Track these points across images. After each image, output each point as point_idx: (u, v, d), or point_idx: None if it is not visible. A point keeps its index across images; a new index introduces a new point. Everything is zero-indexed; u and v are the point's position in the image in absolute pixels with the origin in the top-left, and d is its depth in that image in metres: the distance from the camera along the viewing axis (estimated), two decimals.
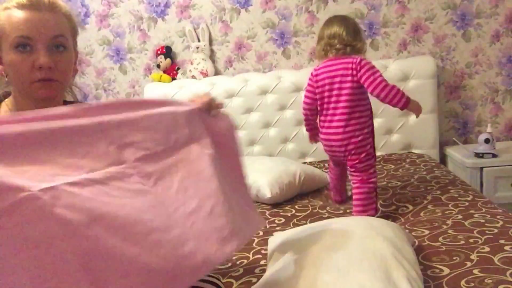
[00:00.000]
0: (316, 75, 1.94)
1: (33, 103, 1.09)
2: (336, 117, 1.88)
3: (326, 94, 1.91)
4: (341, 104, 1.87)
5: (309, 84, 1.99)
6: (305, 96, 2.00)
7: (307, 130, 2.11)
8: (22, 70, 1.05)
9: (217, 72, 3.08)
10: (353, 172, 1.87)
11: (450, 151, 2.87)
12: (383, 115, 2.84)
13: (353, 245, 1.18)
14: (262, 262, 1.45)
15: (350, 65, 1.85)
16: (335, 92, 1.88)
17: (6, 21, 1.05)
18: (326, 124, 1.93)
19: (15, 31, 1.04)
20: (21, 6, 1.05)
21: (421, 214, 1.78)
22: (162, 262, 0.70)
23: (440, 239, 1.49)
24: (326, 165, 2.73)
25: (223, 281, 1.30)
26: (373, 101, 2.80)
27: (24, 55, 1.05)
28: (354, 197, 1.85)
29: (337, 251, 1.16)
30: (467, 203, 1.80)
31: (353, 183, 1.87)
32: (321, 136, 1.98)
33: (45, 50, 1.06)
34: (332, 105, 1.90)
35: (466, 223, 1.59)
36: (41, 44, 1.06)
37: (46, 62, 1.05)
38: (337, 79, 1.87)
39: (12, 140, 0.67)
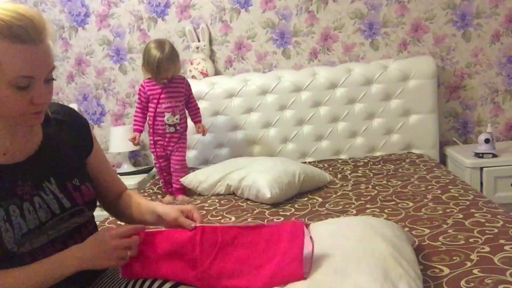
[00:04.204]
0: None
1: (10, 125, 1.04)
2: None
3: None
4: None
5: None
6: None
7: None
8: (16, 106, 0.97)
9: (217, 72, 3.08)
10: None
11: (450, 151, 2.86)
12: (383, 115, 2.84)
13: (351, 246, 1.17)
14: None
15: None
16: None
17: (3, 56, 0.92)
18: None
19: (15, 70, 0.93)
20: (15, 38, 0.92)
21: (422, 210, 1.78)
22: None
23: (440, 238, 1.49)
24: (326, 164, 2.74)
25: None
26: (372, 101, 2.80)
27: (22, 92, 0.95)
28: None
29: (335, 252, 1.16)
30: (468, 202, 1.80)
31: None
32: None
33: (42, 86, 0.98)
34: None
35: (466, 223, 1.59)
36: (39, 80, 0.97)
37: (47, 99, 1.00)
38: None
39: None
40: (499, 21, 2.87)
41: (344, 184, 2.30)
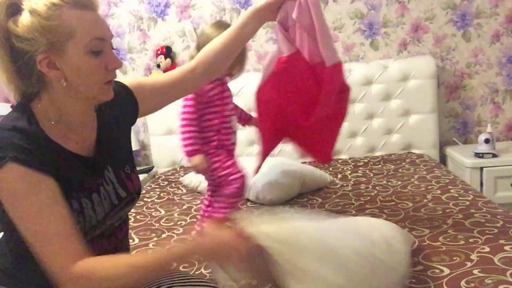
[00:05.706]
0: None
1: (84, 105, 1.03)
2: None
3: None
4: None
5: None
6: None
7: None
8: (95, 75, 0.98)
9: None
10: None
11: (450, 151, 2.87)
12: (383, 115, 2.84)
13: (346, 246, 1.17)
14: None
15: None
16: None
17: (76, 22, 0.94)
18: None
19: (89, 34, 0.96)
20: (81, 5, 0.96)
21: (422, 210, 1.79)
22: None
23: (440, 238, 1.49)
24: (326, 165, 2.73)
25: None
26: (372, 101, 2.80)
27: (98, 58, 0.97)
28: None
29: (334, 251, 1.15)
30: (468, 203, 1.80)
31: None
32: None
33: (112, 50, 1.02)
34: None
35: (466, 223, 1.59)
36: (108, 45, 1.00)
37: (119, 64, 1.01)
38: None
39: None
40: (499, 21, 2.87)
41: (344, 184, 2.30)
